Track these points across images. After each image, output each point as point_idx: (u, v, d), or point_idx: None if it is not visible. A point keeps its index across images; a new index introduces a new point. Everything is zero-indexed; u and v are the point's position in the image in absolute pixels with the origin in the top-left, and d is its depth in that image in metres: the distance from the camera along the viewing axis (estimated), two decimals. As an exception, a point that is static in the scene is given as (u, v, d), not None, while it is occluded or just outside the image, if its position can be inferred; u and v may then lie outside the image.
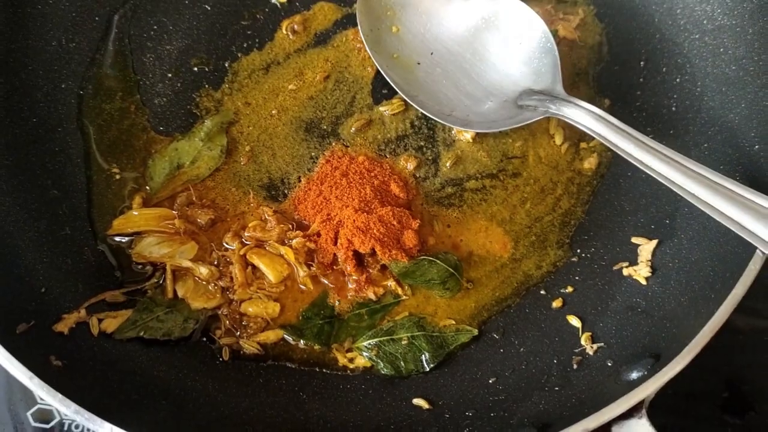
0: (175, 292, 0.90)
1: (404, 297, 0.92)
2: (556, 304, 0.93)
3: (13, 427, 0.94)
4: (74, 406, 0.71)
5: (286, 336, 0.90)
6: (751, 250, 0.78)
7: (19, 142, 0.93)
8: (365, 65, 1.02)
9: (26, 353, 0.73)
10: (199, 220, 0.93)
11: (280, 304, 0.91)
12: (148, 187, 0.94)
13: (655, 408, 0.77)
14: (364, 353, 0.89)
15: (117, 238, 0.92)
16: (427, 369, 0.89)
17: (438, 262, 0.91)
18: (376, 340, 0.90)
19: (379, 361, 0.89)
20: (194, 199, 0.94)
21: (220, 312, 0.90)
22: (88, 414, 0.70)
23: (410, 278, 0.92)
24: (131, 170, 0.95)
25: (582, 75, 1.03)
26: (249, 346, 0.89)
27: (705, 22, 0.98)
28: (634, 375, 0.78)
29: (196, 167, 0.95)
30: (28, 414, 0.95)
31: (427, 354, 0.89)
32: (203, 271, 0.90)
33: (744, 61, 0.94)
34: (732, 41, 0.96)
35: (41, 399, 0.95)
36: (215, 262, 0.92)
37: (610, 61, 1.04)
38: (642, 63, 1.02)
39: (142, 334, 0.86)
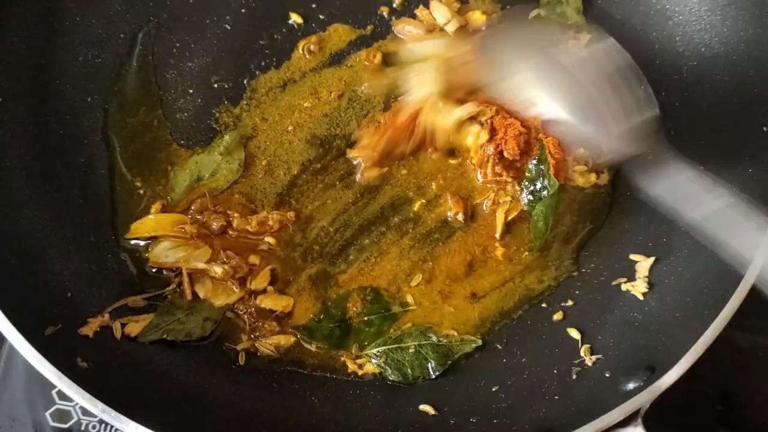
0: (194, 293, 0.94)
1: (413, 306, 0.96)
2: (557, 316, 0.96)
3: (33, 426, 0.97)
4: (101, 405, 0.74)
5: (298, 336, 0.94)
6: (744, 268, 0.82)
7: (47, 153, 0.97)
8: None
9: (54, 355, 0.77)
10: (213, 226, 0.97)
11: (294, 303, 0.95)
12: (169, 198, 0.98)
13: (652, 419, 0.80)
14: (373, 360, 0.93)
15: (134, 242, 0.96)
16: (433, 376, 0.93)
17: None
18: (384, 347, 0.94)
19: (387, 367, 0.93)
20: (209, 206, 0.98)
21: (238, 309, 0.94)
22: (114, 413, 0.74)
23: None
24: (153, 181, 0.99)
25: (586, 97, 1.07)
26: (263, 347, 0.92)
27: (703, 49, 1.03)
28: (631, 385, 0.82)
29: (215, 179, 0.99)
30: (47, 414, 0.98)
31: (433, 362, 0.93)
32: (218, 270, 0.94)
33: (740, 87, 0.98)
34: (728, 68, 1.00)
35: (60, 400, 0.98)
36: (225, 260, 0.95)
37: (612, 85, 1.08)
38: (642, 87, 1.06)
39: (165, 336, 0.89)
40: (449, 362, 0.93)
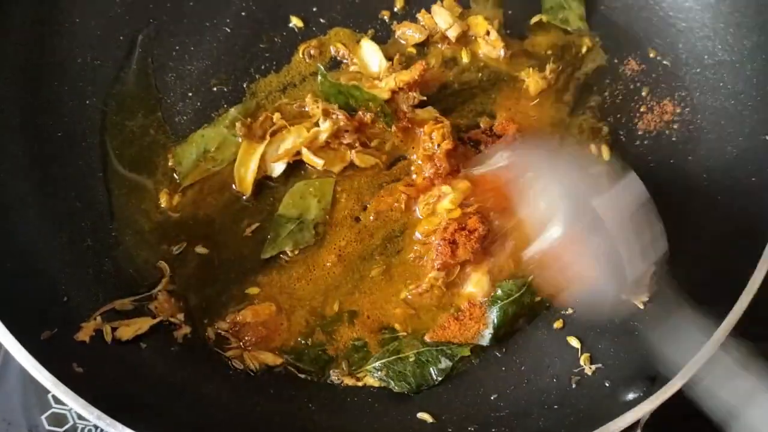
0: None
1: (402, 334, 0.95)
2: (557, 325, 0.96)
3: (28, 429, 0.97)
4: (96, 411, 0.74)
5: (285, 358, 0.93)
6: (744, 279, 0.82)
7: (44, 156, 0.96)
8: (377, 88, 1.06)
9: (50, 360, 0.77)
10: None
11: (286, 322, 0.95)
12: (176, 174, 0.98)
13: (652, 428, 0.81)
14: (375, 374, 0.92)
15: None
16: (437, 382, 0.92)
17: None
18: (383, 361, 0.93)
19: (390, 380, 0.92)
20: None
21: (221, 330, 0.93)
22: (109, 420, 0.74)
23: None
24: (151, 185, 0.99)
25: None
26: (251, 362, 0.92)
27: (706, 57, 1.03)
28: (631, 396, 0.82)
29: (221, 152, 0.99)
30: (43, 418, 0.97)
31: (434, 368, 0.92)
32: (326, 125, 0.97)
33: (742, 96, 0.98)
34: (731, 76, 1.00)
35: (56, 403, 0.98)
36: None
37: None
38: (644, 94, 1.06)
39: (283, 248, 0.96)
40: (450, 365, 0.93)
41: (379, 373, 0.92)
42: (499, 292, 0.95)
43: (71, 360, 0.81)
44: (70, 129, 0.99)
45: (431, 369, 0.93)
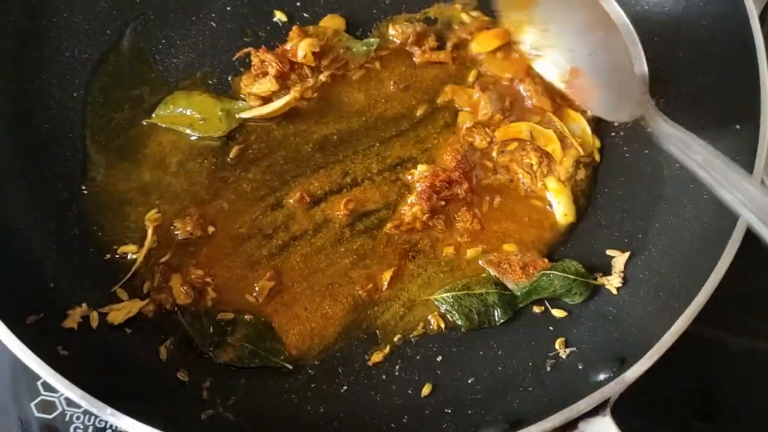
0: None
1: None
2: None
3: (18, 416, 0.99)
4: (80, 391, 0.76)
5: None
6: (713, 263, 0.84)
7: (32, 146, 0.98)
8: (362, 80, 1.08)
9: (36, 343, 0.78)
10: None
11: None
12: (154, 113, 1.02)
13: (627, 412, 0.82)
14: (442, 305, 0.96)
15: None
16: (498, 323, 0.95)
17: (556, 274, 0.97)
18: (453, 293, 0.96)
19: (455, 312, 0.95)
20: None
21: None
22: (92, 399, 0.76)
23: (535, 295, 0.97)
24: (137, 176, 1.00)
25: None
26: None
27: (680, 49, 1.04)
28: (602, 377, 0.84)
29: (199, 122, 1.02)
30: (32, 404, 0.99)
31: (499, 310, 0.95)
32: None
33: (714, 86, 1.00)
34: (704, 68, 1.01)
35: (45, 391, 1.00)
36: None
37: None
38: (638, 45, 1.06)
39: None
40: (512, 311, 0.96)
41: (447, 304, 0.95)
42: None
43: (57, 344, 0.83)
44: (57, 120, 1.01)
45: (495, 311, 0.95)
